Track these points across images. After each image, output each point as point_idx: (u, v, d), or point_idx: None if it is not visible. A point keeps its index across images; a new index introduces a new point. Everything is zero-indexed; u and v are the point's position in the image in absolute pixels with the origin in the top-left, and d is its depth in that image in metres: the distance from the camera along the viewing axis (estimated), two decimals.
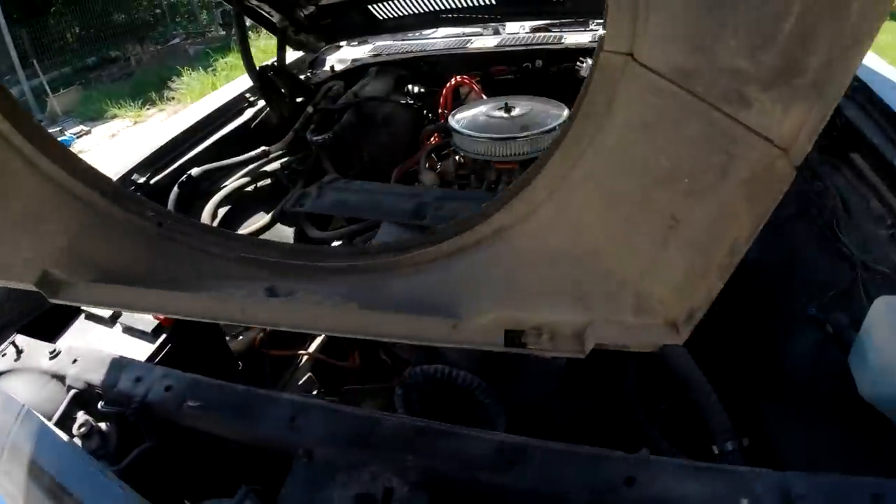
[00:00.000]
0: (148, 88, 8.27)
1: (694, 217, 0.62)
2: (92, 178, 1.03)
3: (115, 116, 7.78)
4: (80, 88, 9.29)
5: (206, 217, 1.94)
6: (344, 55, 2.64)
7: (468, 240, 0.84)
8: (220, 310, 1.00)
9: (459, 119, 1.78)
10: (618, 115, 0.59)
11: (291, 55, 2.73)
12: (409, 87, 2.28)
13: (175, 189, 2.00)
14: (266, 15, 2.29)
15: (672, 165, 0.59)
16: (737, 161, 0.55)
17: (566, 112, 1.75)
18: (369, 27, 2.39)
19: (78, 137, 7.42)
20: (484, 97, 2.11)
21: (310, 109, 2.20)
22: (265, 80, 2.22)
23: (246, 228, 1.95)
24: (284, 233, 2.06)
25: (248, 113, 2.34)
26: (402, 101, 2.23)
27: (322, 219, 1.94)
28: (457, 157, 1.86)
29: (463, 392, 1.31)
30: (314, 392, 1.91)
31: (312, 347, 1.95)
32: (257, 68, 2.21)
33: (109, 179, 1.11)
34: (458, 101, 2.19)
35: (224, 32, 11.78)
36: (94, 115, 8.02)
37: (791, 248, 1.62)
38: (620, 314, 0.74)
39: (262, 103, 2.32)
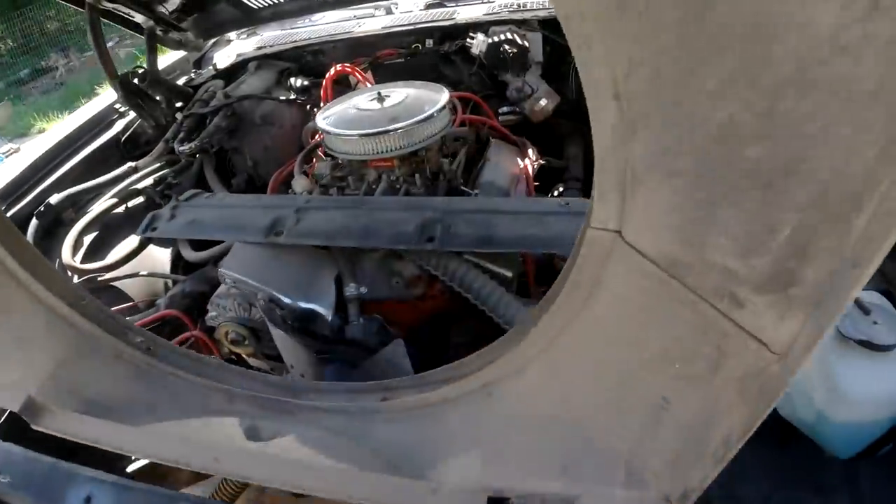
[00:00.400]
0: (78, 97, 7.86)
1: (686, 402, 0.58)
2: (80, 301, 1.00)
3: (42, 130, 7.39)
4: (9, 104, 8.83)
5: (67, 248, 1.74)
6: (232, 50, 2.42)
7: (455, 391, 0.79)
8: (194, 456, 0.94)
9: (328, 115, 1.59)
10: (606, 290, 0.56)
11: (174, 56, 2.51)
12: (292, 80, 2.08)
13: (33, 220, 1.80)
14: (125, 16, 2.07)
15: (662, 347, 0.56)
16: (729, 357, 0.52)
17: (445, 95, 1.57)
18: (246, 18, 2.17)
19: (7, 156, 7.03)
20: (368, 85, 1.92)
21: (178, 116, 2.00)
22: (128, 88, 2.00)
23: (115, 256, 1.76)
24: (160, 256, 1.88)
25: (120, 125, 2.13)
26: (283, 97, 2.02)
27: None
28: (336, 159, 1.67)
29: None
30: None
31: None
32: (119, 75, 2.00)
33: (99, 304, 1.07)
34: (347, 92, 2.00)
35: None
36: (23, 131, 7.61)
37: None
38: (610, 486, 0.69)
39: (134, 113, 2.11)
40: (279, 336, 1.19)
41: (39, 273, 0.97)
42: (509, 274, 1.34)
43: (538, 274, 1.52)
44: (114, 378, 1.00)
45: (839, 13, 0.32)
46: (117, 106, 2.16)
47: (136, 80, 2.04)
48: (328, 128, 1.52)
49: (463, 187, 1.55)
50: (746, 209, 0.43)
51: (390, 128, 1.47)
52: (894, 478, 0.95)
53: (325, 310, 1.34)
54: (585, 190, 1.87)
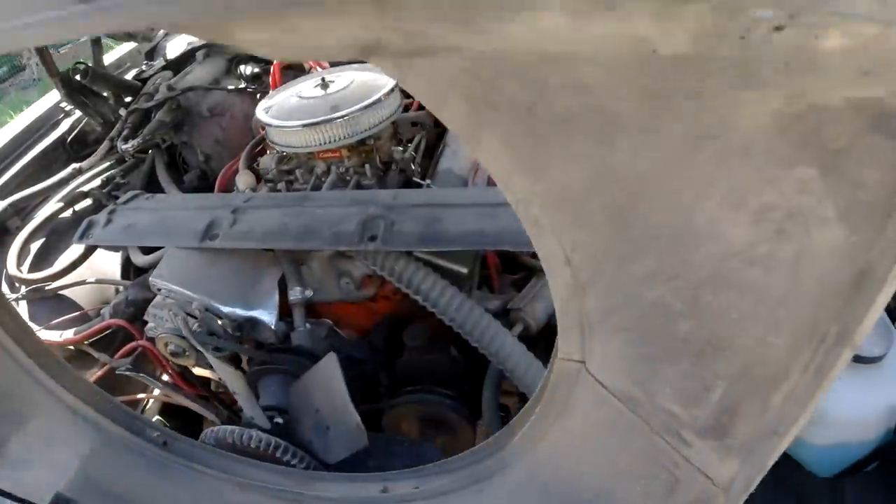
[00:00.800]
0: None
1: None
2: (99, 401, 1.07)
3: None
4: None
5: (12, 257, 1.66)
6: (184, 39, 2.30)
7: (451, 485, 0.82)
8: None
9: (269, 106, 1.49)
10: (576, 410, 0.61)
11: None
12: (242, 68, 1.97)
13: None
14: None
15: (628, 465, 0.62)
16: (681, 483, 0.56)
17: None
18: None
19: None
20: (319, 69, 1.81)
21: (122, 112, 1.90)
22: (71, 85, 1.90)
23: (62, 263, 1.67)
24: (111, 261, 1.79)
25: (66, 124, 2.02)
26: (232, 87, 1.91)
27: None
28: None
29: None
30: None
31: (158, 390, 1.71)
32: (59, 71, 1.89)
33: (117, 402, 1.12)
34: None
35: None
36: None
37: None
38: None
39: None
40: (208, 354, 1.11)
41: (59, 376, 1.02)
42: (464, 270, 1.25)
43: (503, 263, 1.43)
44: (134, 472, 1.05)
45: (749, 234, 0.37)
46: (63, 105, 2.05)
47: (78, 77, 1.93)
48: (268, 119, 1.42)
49: (415, 178, 1.45)
50: (684, 369, 0.49)
51: (333, 116, 1.37)
52: (880, 490, 0.87)
53: (267, 316, 1.26)
54: None
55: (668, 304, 0.45)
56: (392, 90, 1.43)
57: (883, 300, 0.36)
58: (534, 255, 1.45)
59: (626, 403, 0.55)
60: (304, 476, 1.04)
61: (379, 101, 1.40)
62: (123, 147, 1.75)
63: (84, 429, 1.04)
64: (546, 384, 0.64)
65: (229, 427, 1.08)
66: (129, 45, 2.35)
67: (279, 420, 1.16)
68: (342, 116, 1.36)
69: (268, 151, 1.72)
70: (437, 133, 1.72)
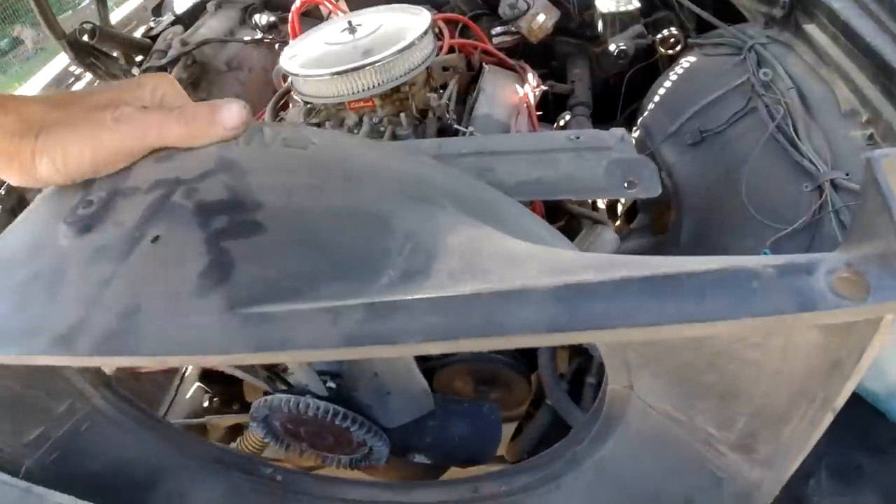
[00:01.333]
0: None
1: None
2: (217, 451, 1.10)
3: None
4: None
5: None
6: None
7: (533, 483, 0.89)
8: None
9: (293, 55, 1.39)
10: (631, 424, 0.72)
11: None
12: (257, 17, 1.85)
13: None
14: None
15: (678, 468, 0.70)
16: (725, 480, 0.67)
17: (427, 18, 1.36)
18: None
19: None
20: (338, 14, 1.69)
21: (134, 72, 1.80)
22: (79, 47, 1.80)
23: None
24: None
25: (77, 88, 1.94)
26: (248, 38, 1.81)
27: None
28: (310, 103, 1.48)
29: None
30: (205, 404, 1.65)
31: None
32: (66, 34, 1.79)
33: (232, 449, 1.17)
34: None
35: None
36: None
37: (732, 166, 1.27)
38: None
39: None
40: None
41: (182, 442, 1.04)
42: None
43: (547, 215, 1.35)
44: None
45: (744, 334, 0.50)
46: (72, 69, 1.96)
47: (85, 38, 1.83)
48: (295, 69, 1.32)
49: (455, 125, 1.36)
50: (713, 405, 0.61)
51: (365, 62, 1.27)
52: None
53: None
54: (594, 116, 1.67)
55: (695, 364, 0.57)
56: (426, 32, 1.33)
57: (853, 382, 0.44)
58: (580, 203, 1.37)
59: (671, 422, 0.66)
60: (404, 486, 1.08)
61: (413, 44, 1.29)
62: None
63: (212, 482, 1.08)
64: (603, 399, 0.75)
65: (283, 395, 1.03)
66: (135, 2, 2.23)
67: (332, 384, 1.11)
68: (375, 62, 1.26)
69: (291, 105, 1.63)
70: (471, 77, 1.62)
